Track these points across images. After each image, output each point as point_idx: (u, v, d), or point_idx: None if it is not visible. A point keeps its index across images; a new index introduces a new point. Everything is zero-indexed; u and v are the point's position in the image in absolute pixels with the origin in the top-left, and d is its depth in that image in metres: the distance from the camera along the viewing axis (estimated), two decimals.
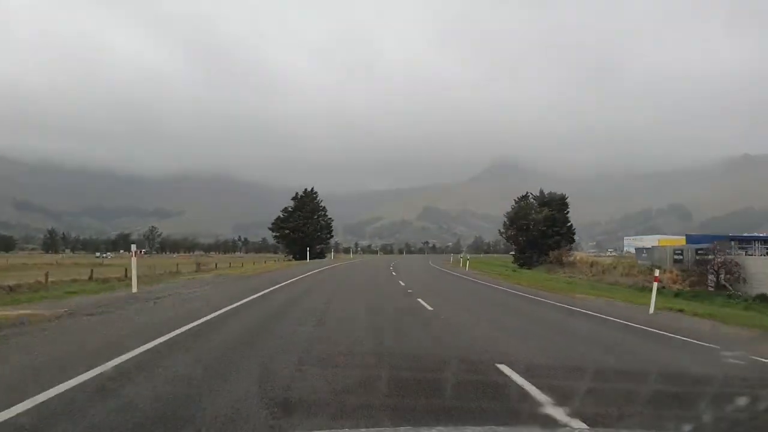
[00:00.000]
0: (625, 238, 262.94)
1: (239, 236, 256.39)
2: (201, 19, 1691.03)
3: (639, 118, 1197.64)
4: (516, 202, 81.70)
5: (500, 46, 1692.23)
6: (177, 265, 39.80)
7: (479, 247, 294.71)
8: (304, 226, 76.42)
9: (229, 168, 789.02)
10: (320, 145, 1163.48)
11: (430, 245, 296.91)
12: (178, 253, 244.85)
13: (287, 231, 76.64)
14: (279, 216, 79.09)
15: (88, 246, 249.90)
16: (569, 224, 78.11)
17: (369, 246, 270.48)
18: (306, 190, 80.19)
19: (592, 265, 56.45)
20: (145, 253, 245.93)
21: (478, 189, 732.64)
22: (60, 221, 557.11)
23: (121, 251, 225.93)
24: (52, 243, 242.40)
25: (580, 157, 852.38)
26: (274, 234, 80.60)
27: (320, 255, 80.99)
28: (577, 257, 67.76)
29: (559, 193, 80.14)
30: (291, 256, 78.49)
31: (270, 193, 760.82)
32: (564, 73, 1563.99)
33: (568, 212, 78.97)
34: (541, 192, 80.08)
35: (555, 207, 77.21)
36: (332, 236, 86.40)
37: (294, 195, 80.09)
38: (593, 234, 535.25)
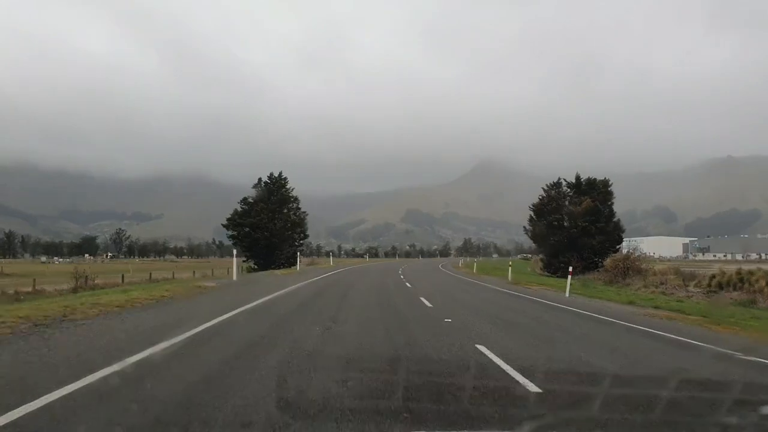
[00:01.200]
0: (625, 239, 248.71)
1: (213, 239, 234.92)
2: (177, 18, 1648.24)
3: (622, 119, 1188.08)
4: (545, 191, 62.46)
5: (483, 45, 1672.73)
6: None
7: (468, 250, 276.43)
8: (269, 223, 56.87)
9: (209, 170, 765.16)
10: (302, 146, 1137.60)
11: (418, 248, 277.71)
12: (148, 257, 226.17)
13: (247, 229, 57.04)
14: (236, 209, 59.18)
15: (50, 250, 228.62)
16: (615, 219, 59.14)
17: (353, 249, 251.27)
18: (272, 175, 60.46)
19: (688, 278, 37.11)
20: (112, 258, 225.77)
21: (462, 191, 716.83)
22: (36, 225, 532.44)
23: (86, 255, 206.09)
24: (9, 247, 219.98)
25: (563, 158, 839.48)
26: (229, 234, 60.24)
27: (290, 261, 61.37)
28: (651, 265, 48.62)
29: (600, 178, 60.74)
30: (253, 262, 58.92)
31: (246, 192, 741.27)
32: (547, 74, 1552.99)
33: (612, 203, 59.95)
34: (578, 178, 60.87)
35: (596, 196, 58.19)
36: (307, 236, 65.22)
37: (256, 182, 60.16)
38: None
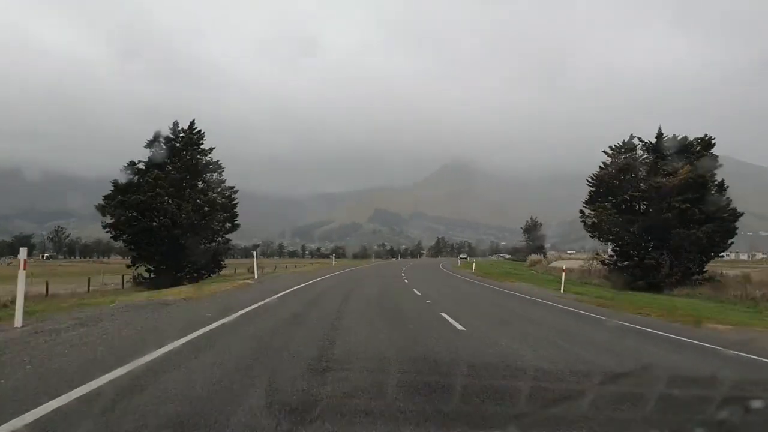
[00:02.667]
0: None
1: None
2: (134, 8, 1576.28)
3: (589, 118, 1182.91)
4: (611, 154, 39.80)
5: (450, 44, 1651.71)
6: None
7: (441, 250, 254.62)
8: (168, 204, 33.30)
9: None
10: (267, 144, 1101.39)
11: (387, 248, 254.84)
12: (90, 257, 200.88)
13: (132, 213, 33.28)
14: (116, 181, 34.90)
15: None
16: (727, 200, 36.95)
17: (317, 249, 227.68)
18: (176, 125, 36.41)
19: None
20: (48, 258, 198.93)
21: (430, 191, 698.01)
22: None
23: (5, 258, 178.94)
24: None
25: (532, 158, 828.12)
26: (104, 223, 35.64)
27: (212, 265, 37.67)
28: None
29: (692, 137, 38.18)
30: (149, 267, 35.25)
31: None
32: (516, 72, 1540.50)
33: (715, 174, 37.71)
34: (660, 133, 38.39)
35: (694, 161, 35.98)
36: (236, 226, 39.68)
37: (153, 137, 35.84)
38: (547, 236, 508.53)
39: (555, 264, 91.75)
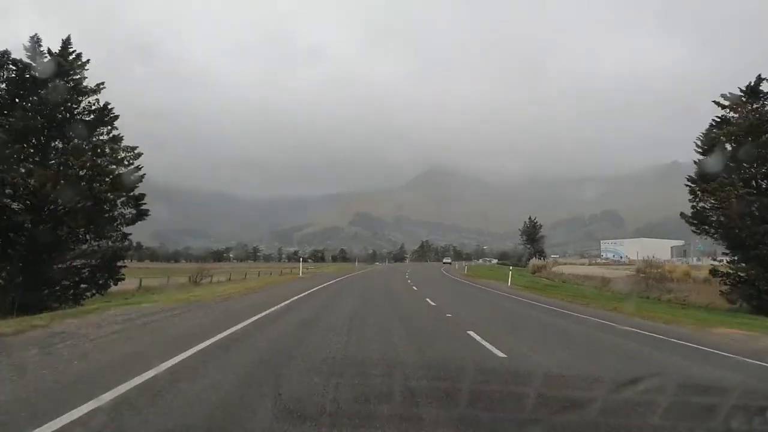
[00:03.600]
0: (602, 241, 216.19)
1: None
2: (105, 4, 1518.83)
3: (569, 124, 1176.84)
4: (731, 105, 25.71)
5: (431, 46, 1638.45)
6: None
7: (425, 254, 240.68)
8: (17, 173, 18.96)
9: (148, 170, 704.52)
10: (245, 146, 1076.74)
11: (369, 252, 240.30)
12: None
13: None
14: None
15: None
16: None
17: (295, 253, 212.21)
18: (36, 41, 21.71)
19: None
20: None
21: (413, 195, 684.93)
22: None
23: None
24: None
25: (512, 162, 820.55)
26: None
27: (105, 282, 22.81)
28: None
29: None
30: None
31: (194, 196, 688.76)
32: (497, 76, 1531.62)
33: None
34: None
35: None
36: (144, 213, 24.17)
37: None
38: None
39: (563, 270, 78.41)
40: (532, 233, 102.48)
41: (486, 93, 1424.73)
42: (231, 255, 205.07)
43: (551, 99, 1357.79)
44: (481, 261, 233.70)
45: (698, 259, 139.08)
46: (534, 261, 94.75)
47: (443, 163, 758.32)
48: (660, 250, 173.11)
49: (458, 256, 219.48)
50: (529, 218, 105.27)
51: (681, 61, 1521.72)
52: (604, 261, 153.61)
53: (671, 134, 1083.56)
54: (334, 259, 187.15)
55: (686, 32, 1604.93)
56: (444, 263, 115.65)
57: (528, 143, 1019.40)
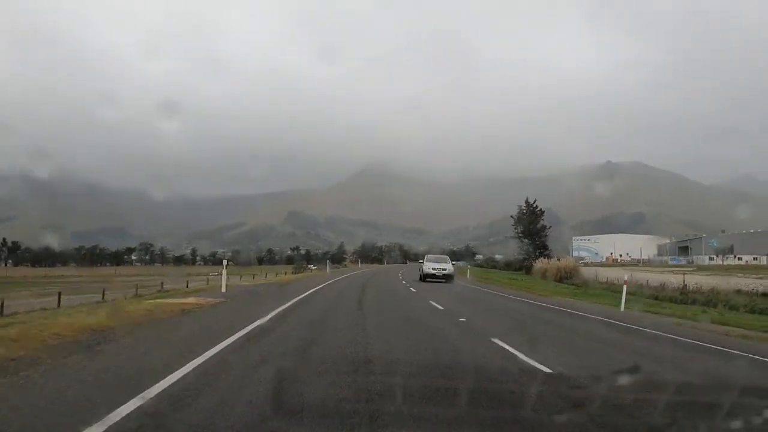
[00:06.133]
0: (574, 238, 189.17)
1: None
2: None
3: (504, 123, 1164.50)
4: None
5: (364, 42, 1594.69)
6: None
7: (368, 254, 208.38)
8: None
9: (66, 166, 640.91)
10: (170, 144, 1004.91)
11: (302, 252, 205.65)
12: None
13: None
14: None
15: None
16: None
17: (212, 255, 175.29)
18: None
19: None
20: None
21: (348, 194, 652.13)
22: None
23: None
24: None
25: (447, 161, 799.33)
26: None
27: None
28: None
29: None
30: None
31: (114, 196, 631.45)
32: (430, 74, 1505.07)
33: None
34: None
35: None
36: None
37: None
38: (464, 239, 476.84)
39: (602, 274, 49.38)
40: (530, 222, 71.31)
41: (420, 91, 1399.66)
42: (133, 257, 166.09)
43: (486, 98, 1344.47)
44: (461, 263, 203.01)
45: (711, 259, 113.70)
46: (543, 262, 63.98)
47: (378, 162, 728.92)
48: (636, 247, 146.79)
49: (405, 256, 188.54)
50: (526, 201, 74.32)
51: (612, 60, 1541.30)
52: (603, 261, 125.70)
53: (604, 135, 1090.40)
54: (260, 261, 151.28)
55: (617, 32, 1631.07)
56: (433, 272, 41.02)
57: (463, 142, 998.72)
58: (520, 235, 72.14)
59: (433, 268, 37.36)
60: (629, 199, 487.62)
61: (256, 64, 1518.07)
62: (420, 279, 37.75)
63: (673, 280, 36.89)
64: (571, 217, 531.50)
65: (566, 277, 49.28)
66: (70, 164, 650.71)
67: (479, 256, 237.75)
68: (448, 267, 37.89)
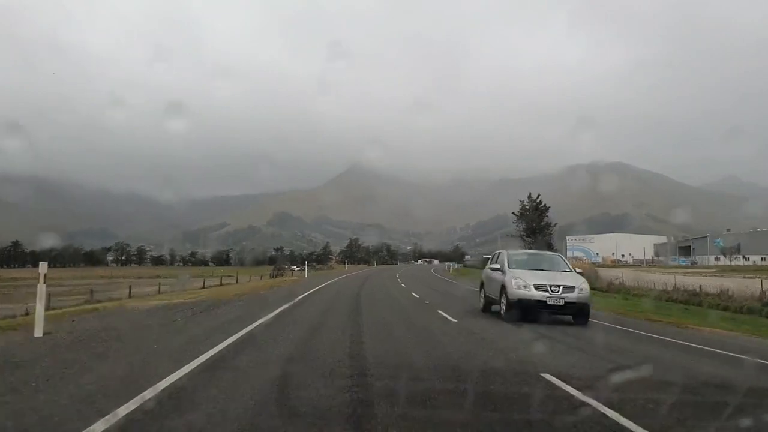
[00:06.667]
0: (568, 238, 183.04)
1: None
2: None
3: (490, 125, 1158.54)
4: None
5: (349, 43, 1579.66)
6: None
7: (353, 255, 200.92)
8: None
9: (51, 167, 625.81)
10: (153, 144, 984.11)
11: (287, 253, 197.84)
12: None
13: None
14: None
15: None
16: None
17: (192, 255, 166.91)
18: None
19: None
20: None
21: (334, 195, 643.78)
22: None
23: None
24: None
25: (434, 161, 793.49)
26: None
27: None
28: None
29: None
30: None
31: (104, 197, 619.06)
32: (417, 74, 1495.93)
33: None
34: None
35: None
36: None
37: None
38: (452, 239, 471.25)
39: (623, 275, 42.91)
40: (535, 218, 64.26)
41: (407, 91, 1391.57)
42: (109, 258, 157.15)
43: (473, 99, 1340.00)
44: (421, 262, 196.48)
45: (717, 259, 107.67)
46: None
47: (364, 163, 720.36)
48: (634, 247, 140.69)
49: (392, 256, 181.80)
50: (529, 196, 67.44)
51: (598, 63, 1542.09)
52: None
53: (589, 136, 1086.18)
54: (242, 262, 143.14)
55: (596, 33, 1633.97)
56: (538, 298, 14.64)
57: (449, 143, 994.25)
58: (522, 233, 65.06)
59: (536, 286, 14.53)
60: (615, 200, 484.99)
61: (244, 65, 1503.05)
62: (483, 307, 17.88)
63: (729, 284, 29.88)
64: (557, 219, 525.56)
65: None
66: (50, 163, 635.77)
67: (468, 257, 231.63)
68: (577, 283, 14.90)
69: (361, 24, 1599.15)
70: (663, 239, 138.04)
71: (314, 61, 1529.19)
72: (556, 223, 66.36)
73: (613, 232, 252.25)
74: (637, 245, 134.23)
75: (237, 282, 45.76)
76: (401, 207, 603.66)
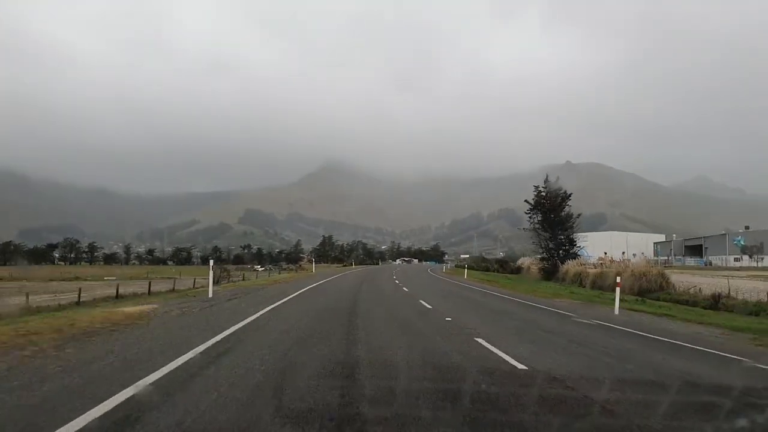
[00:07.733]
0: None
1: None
2: None
3: (464, 123, 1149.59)
4: None
5: (322, 41, 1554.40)
6: None
7: (326, 254, 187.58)
8: None
9: (12, 161, 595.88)
10: (118, 139, 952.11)
11: (254, 250, 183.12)
12: None
13: None
14: None
15: None
16: None
17: (149, 252, 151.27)
18: None
19: None
20: None
21: (306, 193, 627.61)
22: None
23: None
24: None
25: (406, 159, 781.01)
26: None
27: None
28: None
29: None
30: None
31: (65, 192, 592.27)
32: (389, 72, 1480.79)
33: None
34: None
35: None
36: None
37: None
38: (426, 238, 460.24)
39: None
40: (555, 207, 52.12)
41: (378, 89, 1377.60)
42: (56, 255, 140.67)
43: (445, 98, 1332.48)
44: (399, 261, 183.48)
45: (737, 260, 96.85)
46: (572, 265, 45.06)
47: (336, 161, 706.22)
48: (633, 246, 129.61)
49: (369, 255, 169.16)
50: (546, 180, 55.35)
51: (570, 64, 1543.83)
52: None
53: (563, 136, 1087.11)
54: (204, 260, 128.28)
55: (574, 31, 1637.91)
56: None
57: (422, 141, 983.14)
58: (538, 226, 52.76)
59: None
60: (589, 199, 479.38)
61: (209, 56, 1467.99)
62: None
63: None
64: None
65: (650, 290, 29.84)
66: (11, 158, 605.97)
67: (447, 256, 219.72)
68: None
69: (333, 20, 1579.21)
70: (662, 237, 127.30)
71: (289, 59, 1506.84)
72: (579, 214, 53.96)
73: (587, 232, 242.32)
74: (636, 244, 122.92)
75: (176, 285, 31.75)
76: (374, 205, 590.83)
